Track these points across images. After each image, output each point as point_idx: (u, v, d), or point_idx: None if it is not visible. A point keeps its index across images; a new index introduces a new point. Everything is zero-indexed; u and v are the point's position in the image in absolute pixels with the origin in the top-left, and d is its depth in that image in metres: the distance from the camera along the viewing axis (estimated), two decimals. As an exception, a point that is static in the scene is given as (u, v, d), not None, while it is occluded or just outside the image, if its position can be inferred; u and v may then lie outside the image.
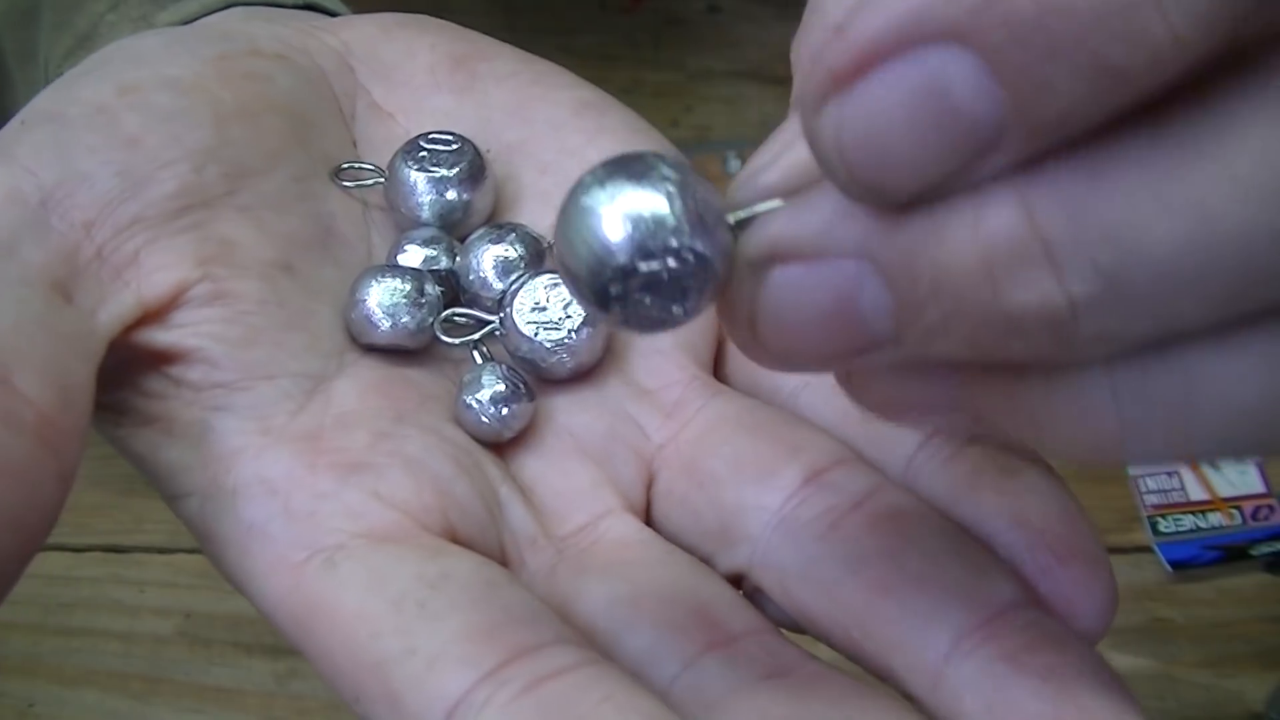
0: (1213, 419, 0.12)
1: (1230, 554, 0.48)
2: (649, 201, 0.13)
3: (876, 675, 0.18)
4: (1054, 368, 0.13)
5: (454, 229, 0.23)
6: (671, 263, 0.13)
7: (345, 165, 0.23)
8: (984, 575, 0.18)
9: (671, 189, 0.13)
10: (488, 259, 0.22)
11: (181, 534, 0.55)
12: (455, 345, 0.22)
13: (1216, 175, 0.11)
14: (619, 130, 0.24)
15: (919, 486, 0.19)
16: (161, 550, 0.50)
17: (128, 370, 0.20)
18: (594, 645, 0.17)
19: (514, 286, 0.21)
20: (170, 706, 0.48)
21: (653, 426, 0.21)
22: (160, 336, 0.19)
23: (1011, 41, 0.11)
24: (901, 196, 0.12)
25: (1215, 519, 0.50)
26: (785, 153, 0.14)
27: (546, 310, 0.21)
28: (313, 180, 0.22)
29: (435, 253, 0.22)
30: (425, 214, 0.23)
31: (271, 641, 0.49)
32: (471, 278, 0.22)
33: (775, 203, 0.14)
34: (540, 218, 0.23)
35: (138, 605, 0.50)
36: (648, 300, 0.13)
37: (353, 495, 0.19)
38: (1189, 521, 0.50)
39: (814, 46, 0.13)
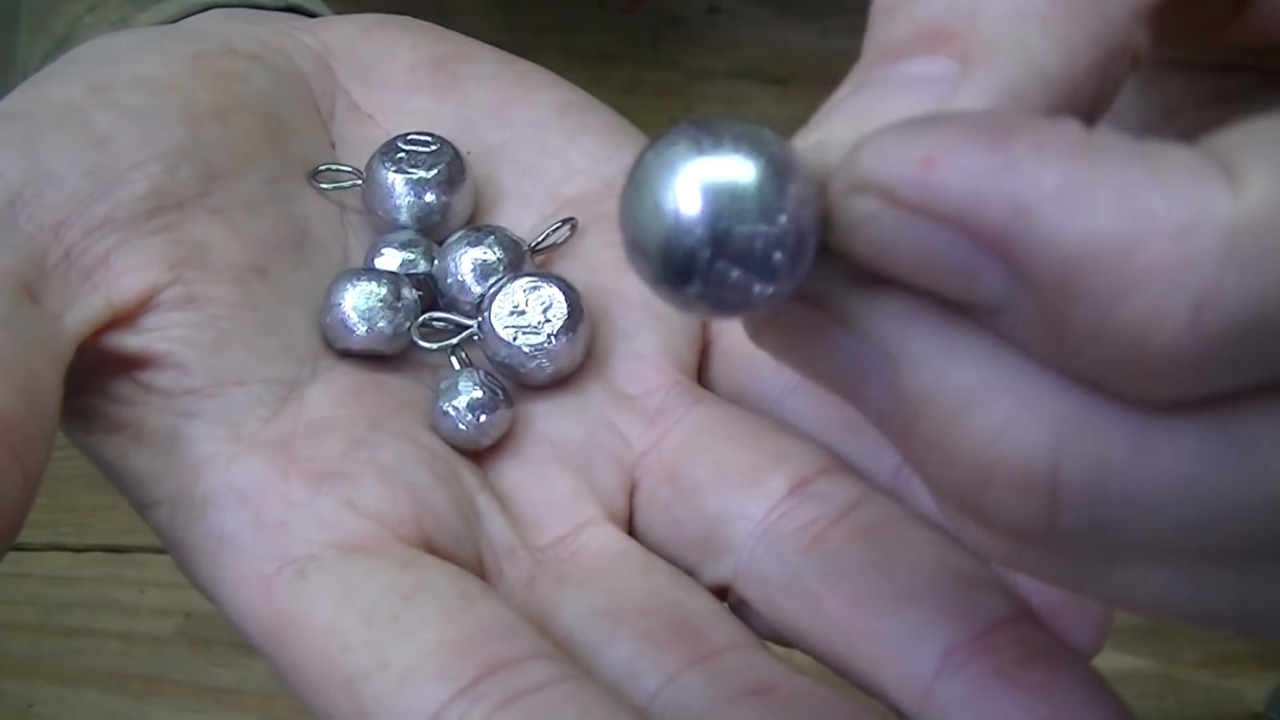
0: None
1: (1230, 554, 0.48)
2: (735, 167, 0.12)
3: (863, 690, 0.17)
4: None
5: (432, 231, 0.23)
6: (758, 235, 0.12)
7: (322, 167, 0.23)
8: (975, 588, 0.17)
9: (760, 153, 0.12)
10: (466, 262, 0.22)
11: (181, 534, 0.55)
12: (432, 350, 0.21)
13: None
14: (602, 130, 0.24)
15: (906, 495, 0.19)
16: (161, 550, 0.50)
17: (96, 375, 0.19)
18: (573, 659, 0.17)
19: (492, 290, 0.21)
20: (170, 706, 0.47)
21: (634, 434, 0.21)
22: (130, 341, 0.19)
23: (1058, 314, 0.11)
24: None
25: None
26: (910, 102, 0.13)
27: (525, 314, 0.21)
28: (288, 182, 0.22)
29: (413, 256, 0.22)
30: (403, 216, 0.22)
31: (271, 641, 0.49)
32: (450, 281, 0.22)
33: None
34: (521, 220, 0.23)
35: (138, 605, 0.50)
36: (731, 276, 0.12)
37: (325, 504, 0.18)
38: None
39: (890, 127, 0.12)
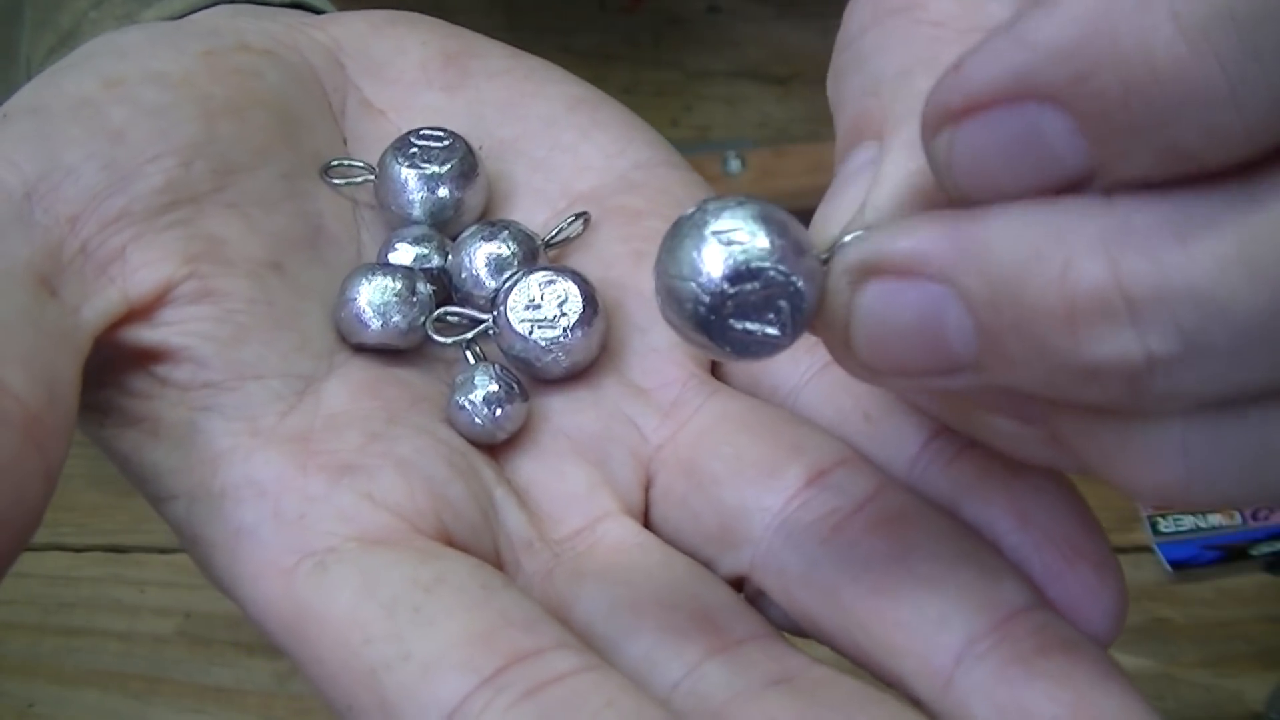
0: None
1: (1230, 554, 0.48)
2: (754, 240, 0.15)
3: (882, 680, 0.17)
4: (1129, 415, 0.14)
5: (445, 227, 0.23)
6: (765, 286, 0.15)
7: (335, 162, 0.23)
8: (993, 577, 0.17)
9: (763, 221, 0.15)
10: (480, 257, 0.22)
11: (181, 534, 0.55)
12: (447, 345, 0.21)
13: None
14: (612, 126, 0.24)
15: (923, 487, 0.19)
16: (161, 550, 0.50)
17: (112, 369, 0.19)
18: (594, 650, 0.17)
19: (507, 284, 0.21)
20: (170, 706, 0.47)
21: (650, 427, 0.21)
22: (146, 334, 0.19)
23: (1101, 113, 0.12)
24: None
25: (1215, 519, 0.50)
26: (855, 191, 0.16)
27: (541, 308, 0.21)
28: (302, 178, 0.22)
29: (426, 251, 0.22)
30: (416, 211, 0.22)
31: (271, 642, 0.49)
32: (464, 276, 0.22)
33: (858, 233, 0.15)
34: (534, 215, 0.23)
35: (138, 605, 0.50)
36: (743, 330, 0.15)
37: (344, 497, 0.18)
38: (1189, 521, 0.50)
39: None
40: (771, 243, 0.15)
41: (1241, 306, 0.12)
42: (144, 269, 0.19)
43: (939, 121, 0.14)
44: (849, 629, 0.18)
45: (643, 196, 0.23)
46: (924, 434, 0.19)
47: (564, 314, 0.21)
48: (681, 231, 0.15)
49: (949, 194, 0.14)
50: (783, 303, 0.15)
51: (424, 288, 0.21)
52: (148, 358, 0.19)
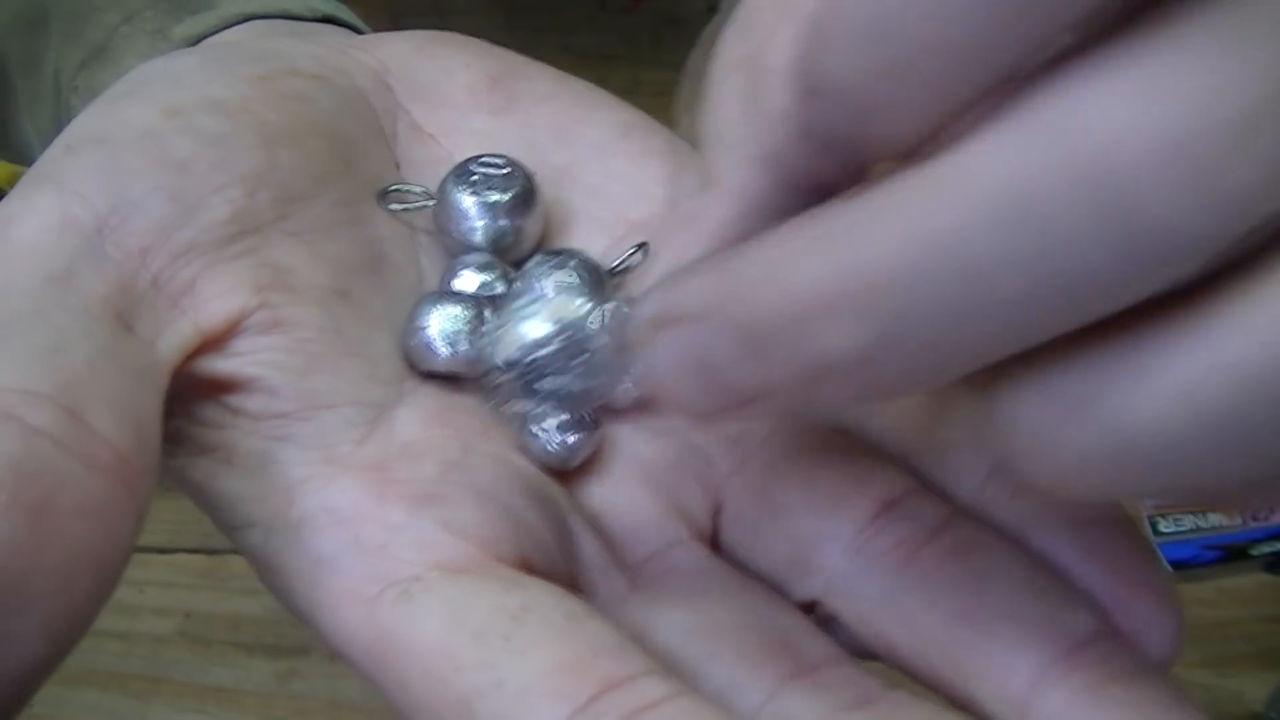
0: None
1: (1230, 554, 0.48)
2: (537, 328, 0.19)
3: (956, 704, 0.18)
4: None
5: (504, 254, 0.23)
6: (564, 349, 0.18)
7: (392, 188, 0.23)
8: (1063, 605, 0.18)
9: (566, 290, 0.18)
10: (549, 286, 0.22)
11: (182, 534, 0.56)
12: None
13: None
14: (664, 154, 0.24)
15: (988, 517, 0.19)
16: (161, 550, 0.50)
17: (182, 400, 0.19)
18: (677, 676, 0.17)
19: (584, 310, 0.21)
20: (170, 706, 0.48)
21: (718, 454, 0.21)
22: (219, 365, 0.19)
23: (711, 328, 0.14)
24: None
25: (1215, 519, 0.50)
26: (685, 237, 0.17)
27: None
28: (359, 203, 0.22)
29: (490, 278, 0.22)
30: (478, 239, 0.23)
31: (271, 641, 0.49)
32: None
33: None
34: (591, 242, 0.23)
35: (138, 605, 0.50)
36: (551, 388, 0.18)
37: (425, 526, 0.18)
38: (1189, 521, 0.50)
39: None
40: (561, 318, 0.18)
41: (917, 272, 0.13)
42: (215, 300, 0.19)
43: (649, 328, 0.16)
44: (925, 654, 0.18)
45: None
46: (987, 466, 0.20)
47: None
48: (503, 309, 0.18)
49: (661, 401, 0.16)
50: (584, 360, 0.17)
51: (490, 315, 0.21)
52: (219, 388, 0.19)
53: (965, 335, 0.13)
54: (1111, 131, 0.12)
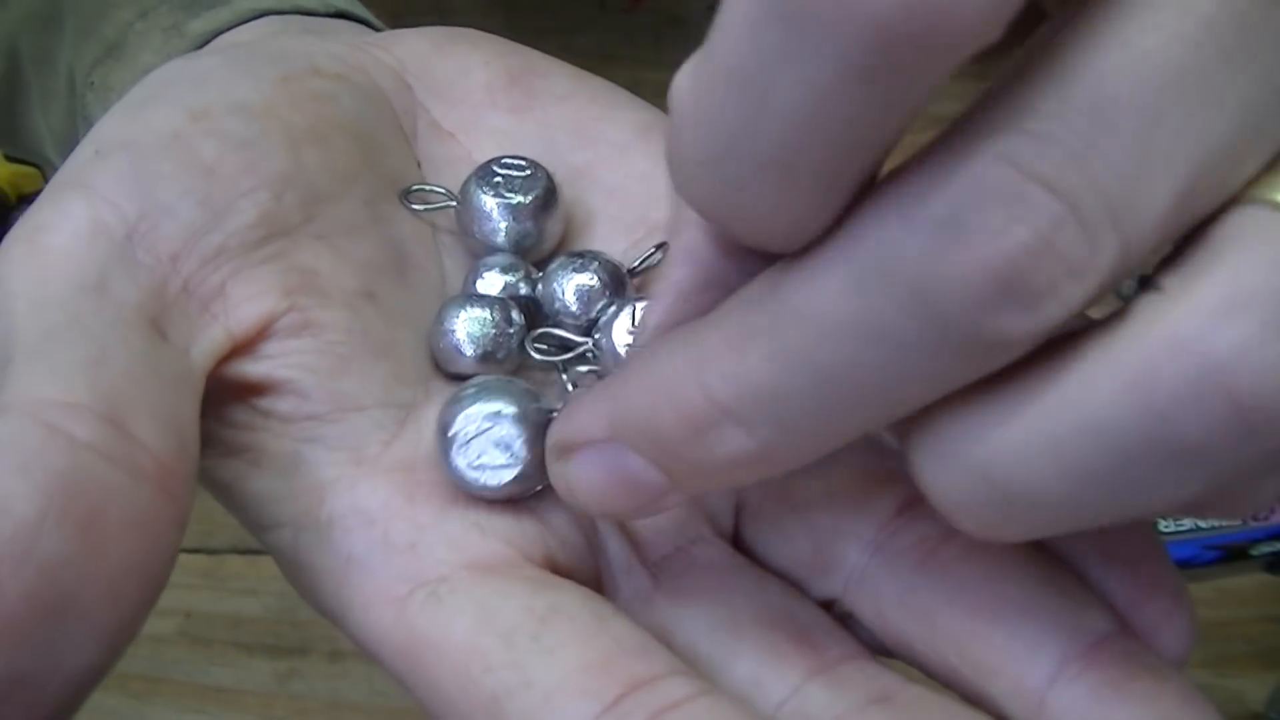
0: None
1: (1230, 554, 0.49)
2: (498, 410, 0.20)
3: (972, 701, 0.18)
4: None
5: (526, 254, 0.23)
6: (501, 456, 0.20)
7: (415, 187, 0.23)
8: (1081, 605, 0.18)
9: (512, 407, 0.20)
10: (570, 288, 0.22)
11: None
12: (550, 362, 0.22)
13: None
14: None
15: None
16: (161, 550, 0.50)
17: (213, 401, 0.19)
18: (700, 674, 0.17)
19: (611, 309, 0.21)
20: (170, 706, 0.48)
21: None
22: (250, 368, 0.19)
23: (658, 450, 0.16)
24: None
25: (1215, 519, 0.50)
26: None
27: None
28: (383, 203, 0.22)
29: (514, 279, 0.22)
30: (500, 240, 0.23)
31: (271, 641, 0.49)
32: (555, 306, 0.22)
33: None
34: (611, 243, 0.23)
35: (138, 605, 0.49)
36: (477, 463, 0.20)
37: (454, 527, 0.19)
38: (1189, 521, 0.50)
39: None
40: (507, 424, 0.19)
41: (789, 384, 0.14)
42: (245, 304, 0.19)
43: (558, 454, 0.18)
44: (943, 651, 0.18)
45: None
46: None
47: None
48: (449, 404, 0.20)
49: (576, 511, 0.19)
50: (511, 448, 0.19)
51: (517, 316, 0.22)
52: (249, 391, 0.19)
53: (843, 419, 0.15)
54: None
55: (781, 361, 0.14)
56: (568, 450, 0.17)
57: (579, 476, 0.17)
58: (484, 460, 0.19)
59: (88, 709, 0.49)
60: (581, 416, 0.17)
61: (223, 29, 0.27)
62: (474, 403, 0.19)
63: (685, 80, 0.14)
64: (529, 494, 0.20)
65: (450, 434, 0.19)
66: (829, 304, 0.14)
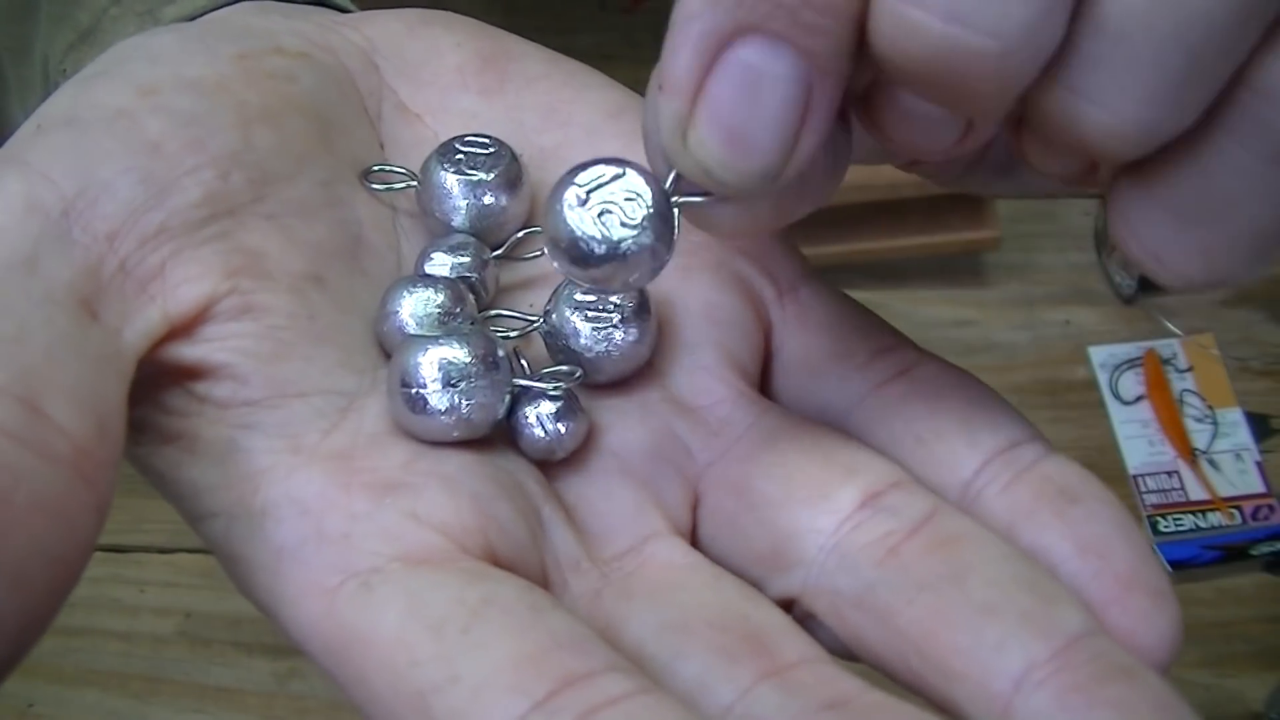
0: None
1: (1230, 554, 0.48)
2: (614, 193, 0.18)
3: (936, 706, 0.17)
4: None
5: (488, 235, 0.22)
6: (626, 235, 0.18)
7: (375, 168, 0.22)
8: (1052, 603, 0.17)
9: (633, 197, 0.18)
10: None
11: (182, 534, 0.55)
12: (509, 339, 0.21)
13: None
14: None
15: (977, 511, 0.19)
16: (161, 550, 0.50)
17: (148, 386, 0.19)
18: (644, 673, 0.17)
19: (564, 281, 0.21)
20: (170, 706, 0.48)
21: (698, 445, 0.21)
22: (187, 352, 0.19)
23: (775, 8, 0.15)
24: (780, 177, 0.16)
25: (1215, 519, 0.50)
26: None
27: (595, 302, 0.21)
28: (340, 185, 0.21)
29: (464, 259, 0.22)
30: (460, 219, 0.22)
31: (271, 641, 0.49)
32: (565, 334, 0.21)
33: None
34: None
35: (138, 605, 0.50)
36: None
37: (389, 516, 0.18)
38: (1189, 521, 0.50)
39: (650, 118, 0.17)
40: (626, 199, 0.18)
41: None
42: (184, 285, 0.19)
43: (679, 128, 0.16)
44: (904, 653, 0.17)
45: None
46: (978, 458, 0.19)
47: (618, 310, 0.21)
48: (561, 192, 0.18)
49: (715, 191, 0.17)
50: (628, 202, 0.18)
51: (467, 298, 0.21)
52: (186, 375, 0.19)
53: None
54: None
55: None
56: (682, 91, 0.16)
57: (707, 110, 0.16)
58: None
59: (88, 709, 0.49)
60: (679, 50, 0.16)
61: (198, 14, 0.26)
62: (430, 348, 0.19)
63: None
64: (474, 436, 0.19)
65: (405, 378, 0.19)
66: None
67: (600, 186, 0.18)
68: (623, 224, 0.18)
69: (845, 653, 0.19)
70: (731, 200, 0.17)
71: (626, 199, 0.18)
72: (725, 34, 0.15)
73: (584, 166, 0.18)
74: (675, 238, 0.18)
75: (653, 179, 0.18)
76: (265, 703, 0.48)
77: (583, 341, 0.21)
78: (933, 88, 0.15)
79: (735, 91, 0.15)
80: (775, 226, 0.18)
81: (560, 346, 0.21)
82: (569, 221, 0.18)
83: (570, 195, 0.18)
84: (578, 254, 0.18)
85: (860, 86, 0.17)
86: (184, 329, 0.19)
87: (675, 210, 0.18)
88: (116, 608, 0.49)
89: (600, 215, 0.18)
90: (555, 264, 0.18)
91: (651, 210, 0.18)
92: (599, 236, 0.18)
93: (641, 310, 0.21)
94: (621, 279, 0.18)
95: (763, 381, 0.22)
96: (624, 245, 0.18)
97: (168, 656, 0.49)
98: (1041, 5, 0.14)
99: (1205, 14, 0.14)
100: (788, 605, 0.19)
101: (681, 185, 0.18)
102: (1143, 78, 0.15)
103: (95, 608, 0.49)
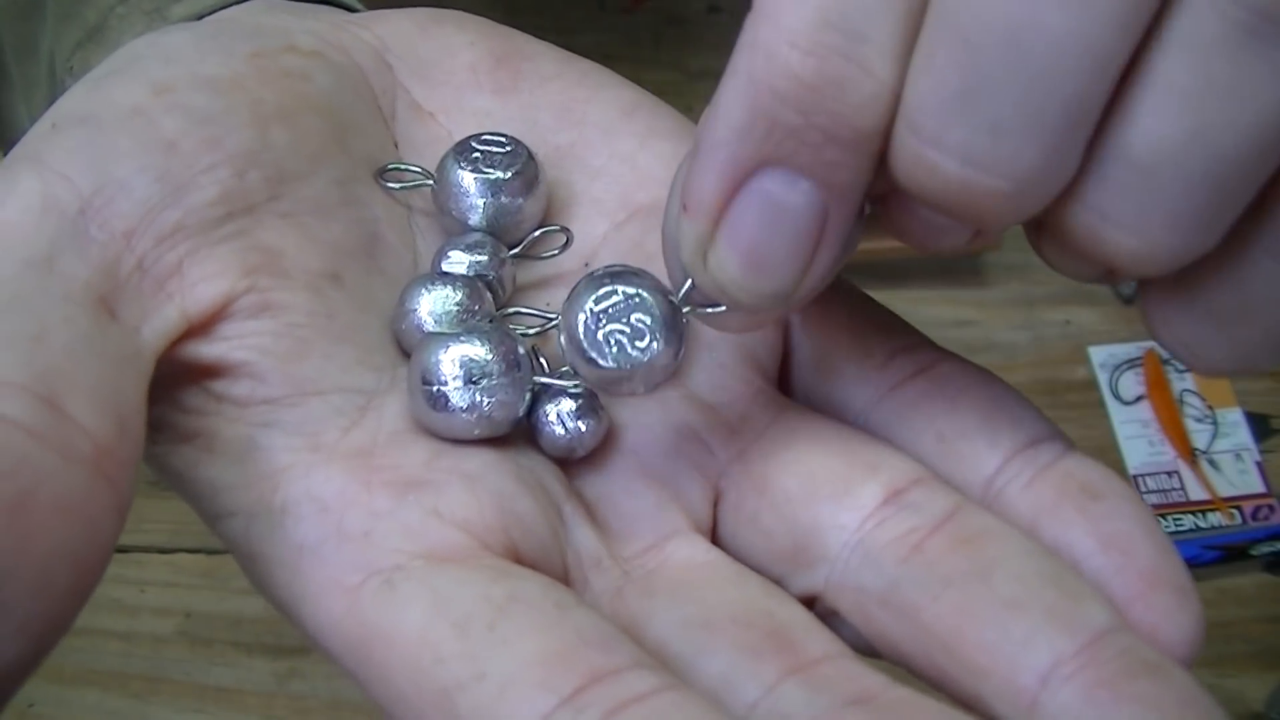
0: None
1: (1230, 554, 0.49)
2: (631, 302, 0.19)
3: (961, 702, 0.17)
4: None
5: (505, 234, 0.22)
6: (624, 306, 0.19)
7: (390, 166, 0.22)
8: (1077, 599, 0.17)
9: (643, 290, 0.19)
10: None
11: (182, 534, 0.56)
12: (530, 336, 0.21)
13: None
14: (670, 134, 0.23)
15: (1000, 507, 0.19)
16: (161, 550, 0.50)
17: (166, 385, 0.19)
18: (669, 670, 0.17)
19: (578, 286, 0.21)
20: (170, 706, 0.48)
21: (718, 442, 0.21)
22: (205, 350, 0.19)
23: (800, 145, 0.15)
24: (792, 297, 0.17)
25: (1215, 519, 0.50)
26: None
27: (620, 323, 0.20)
28: (355, 184, 0.21)
29: (481, 258, 0.22)
30: (477, 217, 0.22)
31: (272, 641, 0.49)
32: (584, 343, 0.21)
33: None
34: (593, 225, 0.23)
35: (138, 605, 0.50)
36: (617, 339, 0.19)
37: (410, 514, 0.18)
38: (1189, 521, 0.50)
39: (671, 231, 0.18)
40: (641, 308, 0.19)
41: None
42: (202, 284, 0.19)
43: (699, 248, 0.17)
44: (929, 650, 0.17)
45: None
46: (1000, 456, 0.19)
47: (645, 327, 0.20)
48: (577, 291, 0.19)
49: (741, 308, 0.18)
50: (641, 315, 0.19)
51: (485, 296, 0.21)
52: (204, 373, 0.19)
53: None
54: None
55: None
56: (705, 214, 0.17)
57: (728, 235, 0.17)
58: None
59: (88, 709, 0.49)
60: (705, 175, 0.16)
61: (206, 12, 0.26)
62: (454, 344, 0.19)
63: None
64: (499, 432, 0.20)
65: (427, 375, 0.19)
66: None
67: (613, 306, 0.19)
68: (635, 347, 0.19)
69: (868, 649, 0.19)
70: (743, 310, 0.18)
71: (638, 319, 0.19)
72: (750, 165, 0.16)
73: (600, 283, 0.19)
74: (683, 346, 0.19)
75: (665, 294, 0.19)
76: (265, 703, 0.48)
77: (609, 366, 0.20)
78: (949, 212, 0.16)
79: (756, 218, 0.16)
80: (779, 320, 0.18)
81: (566, 352, 0.21)
82: (585, 346, 0.19)
83: (582, 321, 0.19)
84: (593, 370, 0.19)
85: (877, 192, 0.17)
86: (202, 327, 0.19)
87: (685, 320, 0.19)
88: (116, 607, 0.49)
89: (613, 336, 0.19)
90: (572, 366, 0.19)
91: (664, 325, 0.19)
92: (611, 360, 0.19)
93: (671, 332, 0.20)
94: (630, 388, 0.19)
95: (781, 380, 0.22)
96: (636, 363, 0.19)
97: (168, 656, 0.49)
98: (1053, 146, 0.15)
99: (1235, 149, 0.14)
100: (810, 602, 0.19)
101: (694, 294, 0.18)
102: (1171, 208, 0.15)
103: (95, 607, 0.48)
